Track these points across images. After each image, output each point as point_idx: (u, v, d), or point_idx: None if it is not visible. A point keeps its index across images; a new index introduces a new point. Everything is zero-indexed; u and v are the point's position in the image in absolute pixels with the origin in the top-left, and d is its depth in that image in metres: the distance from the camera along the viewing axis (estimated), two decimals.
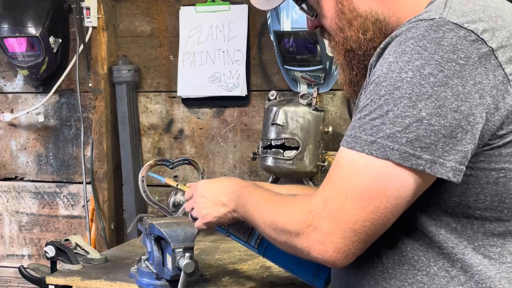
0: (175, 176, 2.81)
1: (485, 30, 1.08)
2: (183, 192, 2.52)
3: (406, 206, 1.10)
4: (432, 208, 1.13)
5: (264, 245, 1.53)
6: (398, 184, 1.07)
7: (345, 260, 1.12)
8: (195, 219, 1.55)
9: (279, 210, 1.23)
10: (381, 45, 1.15)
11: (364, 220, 1.08)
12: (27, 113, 2.89)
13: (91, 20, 2.72)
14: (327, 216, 1.10)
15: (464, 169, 1.07)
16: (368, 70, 1.19)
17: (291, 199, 1.26)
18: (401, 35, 1.11)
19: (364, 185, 1.08)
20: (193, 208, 1.55)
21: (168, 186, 1.83)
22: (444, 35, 1.07)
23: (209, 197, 1.49)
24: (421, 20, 1.11)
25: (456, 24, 1.08)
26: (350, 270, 1.22)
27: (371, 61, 1.18)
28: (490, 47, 1.07)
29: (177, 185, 1.79)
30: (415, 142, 1.05)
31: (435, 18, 1.09)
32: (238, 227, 1.54)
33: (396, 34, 1.13)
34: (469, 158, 1.07)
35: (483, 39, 1.07)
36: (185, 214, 1.85)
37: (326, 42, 2.30)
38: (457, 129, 1.05)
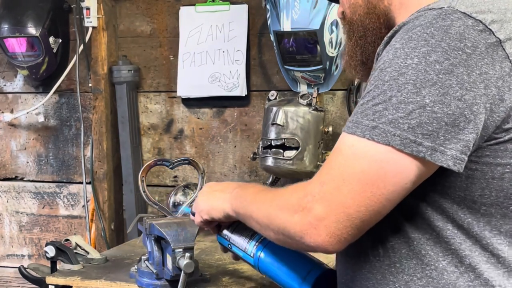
0: (175, 176, 2.81)
1: (493, 21, 1.08)
2: (183, 192, 2.55)
3: (404, 195, 1.08)
4: (438, 202, 1.12)
5: (260, 250, 1.47)
6: (397, 170, 1.05)
7: (337, 245, 1.09)
8: (194, 214, 1.53)
9: (276, 197, 1.21)
10: (389, 34, 1.15)
11: (359, 205, 1.06)
12: (27, 113, 2.89)
13: (91, 20, 2.72)
14: (322, 199, 1.08)
15: (466, 158, 1.06)
16: (375, 58, 1.18)
17: (289, 186, 1.24)
18: (409, 23, 1.11)
19: (362, 169, 1.06)
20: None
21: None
22: (452, 24, 1.06)
23: (210, 192, 1.48)
24: (430, 9, 1.10)
25: (464, 13, 1.07)
26: (355, 264, 1.21)
27: (378, 50, 1.17)
28: (498, 38, 1.07)
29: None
30: (417, 128, 1.04)
31: (443, 7, 1.09)
32: (239, 235, 1.50)
33: (404, 23, 1.12)
34: (471, 148, 1.06)
35: (491, 30, 1.07)
36: (185, 214, 1.85)
37: (327, 42, 2.32)
38: (460, 118, 1.04)
